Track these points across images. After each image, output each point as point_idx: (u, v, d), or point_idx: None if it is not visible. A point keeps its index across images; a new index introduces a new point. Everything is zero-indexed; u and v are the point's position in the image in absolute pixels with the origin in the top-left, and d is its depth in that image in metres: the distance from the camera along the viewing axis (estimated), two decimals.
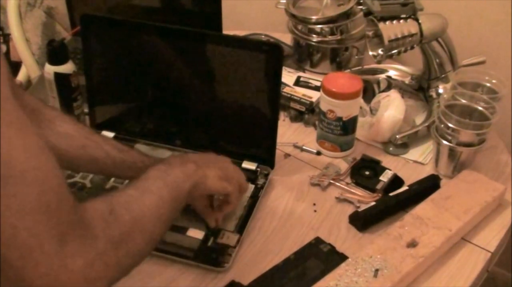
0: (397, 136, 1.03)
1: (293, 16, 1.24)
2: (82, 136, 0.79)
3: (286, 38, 1.31)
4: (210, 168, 0.77)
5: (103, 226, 0.53)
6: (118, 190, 0.63)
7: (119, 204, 0.58)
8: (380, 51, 1.05)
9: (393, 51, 1.03)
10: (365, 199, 0.93)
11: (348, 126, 1.00)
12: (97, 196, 0.57)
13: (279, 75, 0.91)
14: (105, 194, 0.59)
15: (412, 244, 0.80)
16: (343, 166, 1.01)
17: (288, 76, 1.18)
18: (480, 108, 0.95)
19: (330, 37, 1.24)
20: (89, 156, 0.79)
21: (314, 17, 1.22)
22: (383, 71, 1.22)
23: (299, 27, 1.27)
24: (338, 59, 1.27)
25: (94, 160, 0.80)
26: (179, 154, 0.79)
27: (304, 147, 1.05)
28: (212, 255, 0.81)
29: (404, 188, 0.93)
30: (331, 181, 0.97)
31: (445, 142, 0.95)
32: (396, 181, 0.96)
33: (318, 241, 0.85)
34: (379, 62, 1.08)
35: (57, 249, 0.48)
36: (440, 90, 1.10)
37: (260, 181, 0.94)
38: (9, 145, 0.45)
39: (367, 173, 0.98)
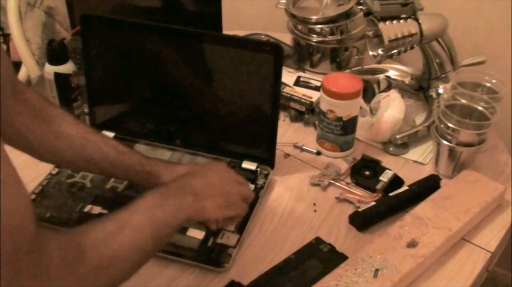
0: (397, 136, 1.03)
1: (293, 16, 1.24)
2: (81, 137, 0.79)
3: (286, 38, 1.31)
4: (210, 198, 0.74)
5: (62, 262, 0.52)
6: (98, 221, 0.60)
7: (90, 243, 0.56)
8: (380, 51, 1.05)
9: (393, 51, 1.03)
10: (365, 199, 0.93)
11: (348, 126, 1.00)
12: (71, 228, 0.56)
13: (279, 75, 0.91)
14: (82, 226, 0.58)
15: (412, 244, 0.80)
16: (343, 166, 1.01)
17: (288, 76, 1.19)
18: (480, 108, 0.95)
19: (330, 37, 1.24)
20: (87, 157, 0.79)
21: (314, 17, 1.22)
22: (383, 71, 1.22)
23: (299, 27, 1.27)
24: (338, 59, 1.27)
25: (92, 161, 0.80)
26: (184, 175, 0.76)
27: (304, 147, 1.05)
28: (212, 255, 0.81)
29: (404, 188, 0.93)
30: (331, 181, 0.97)
31: (445, 142, 0.95)
32: (396, 181, 0.96)
33: (318, 241, 0.85)
34: (379, 62, 1.08)
35: (11, 277, 0.47)
36: (440, 90, 1.10)
37: (260, 181, 0.94)
38: None
39: (367, 173, 0.98)
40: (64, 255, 0.53)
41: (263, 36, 1.33)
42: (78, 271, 0.54)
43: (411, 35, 1.02)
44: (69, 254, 0.54)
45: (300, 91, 1.15)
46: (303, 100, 1.12)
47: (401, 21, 1.02)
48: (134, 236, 0.62)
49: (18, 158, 1.00)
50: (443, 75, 1.10)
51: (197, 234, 0.84)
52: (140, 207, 0.65)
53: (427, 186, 0.93)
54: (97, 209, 0.87)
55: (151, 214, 0.65)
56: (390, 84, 1.16)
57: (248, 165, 0.96)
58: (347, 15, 1.21)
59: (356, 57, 1.28)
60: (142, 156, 0.82)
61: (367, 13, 1.04)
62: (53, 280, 0.51)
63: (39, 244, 0.50)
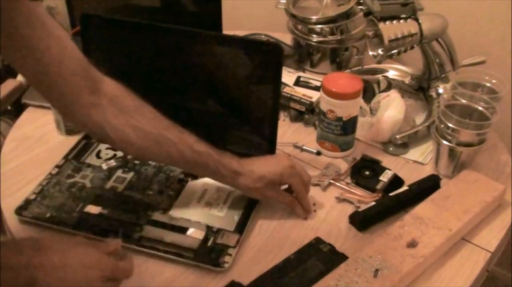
0: (397, 136, 1.03)
1: (293, 16, 1.24)
2: (157, 133, 0.80)
3: (286, 38, 1.31)
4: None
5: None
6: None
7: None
8: (380, 51, 1.05)
9: (393, 51, 1.03)
10: (365, 199, 0.93)
11: (348, 126, 1.00)
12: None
13: (279, 75, 0.91)
14: None
15: (412, 244, 0.80)
16: (343, 166, 1.01)
17: (288, 76, 1.19)
18: (480, 108, 0.95)
19: (330, 37, 1.24)
20: (164, 153, 0.81)
21: (314, 17, 1.22)
22: (383, 71, 1.22)
23: (299, 27, 1.27)
24: (338, 59, 1.27)
25: (168, 157, 0.82)
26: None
27: (304, 147, 1.05)
28: (212, 255, 0.81)
29: (404, 188, 0.93)
30: (331, 181, 0.97)
31: (445, 142, 0.95)
32: (396, 181, 0.96)
33: (318, 241, 0.85)
34: (379, 62, 1.08)
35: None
36: (440, 90, 1.10)
37: None
38: None
39: (367, 173, 0.98)
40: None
41: (263, 36, 1.33)
42: None
43: (411, 35, 1.02)
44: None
45: (300, 91, 1.15)
46: (303, 100, 1.12)
47: (401, 21, 1.02)
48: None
49: (18, 158, 1.00)
50: (443, 75, 1.10)
51: (197, 234, 0.84)
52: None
53: (427, 186, 0.93)
54: (97, 209, 0.87)
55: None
56: (390, 84, 1.16)
57: None
58: (347, 15, 1.21)
59: (356, 57, 1.28)
60: (218, 154, 0.83)
61: (367, 13, 1.04)
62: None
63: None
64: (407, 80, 1.20)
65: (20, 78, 1.25)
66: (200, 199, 0.91)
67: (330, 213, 0.91)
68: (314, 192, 0.95)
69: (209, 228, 0.85)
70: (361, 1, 1.09)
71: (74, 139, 1.02)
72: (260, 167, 0.85)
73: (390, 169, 0.98)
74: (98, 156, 0.98)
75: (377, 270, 0.76)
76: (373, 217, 0.88)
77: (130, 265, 0.70)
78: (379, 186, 0.95)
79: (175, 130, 0.82)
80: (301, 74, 1.21)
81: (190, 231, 0.84)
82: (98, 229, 0.83)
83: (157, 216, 0.87)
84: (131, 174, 0.94)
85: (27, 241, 0.64)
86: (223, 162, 0.83)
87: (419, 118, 1.11)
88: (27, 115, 1.11)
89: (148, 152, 0.81)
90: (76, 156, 0.98)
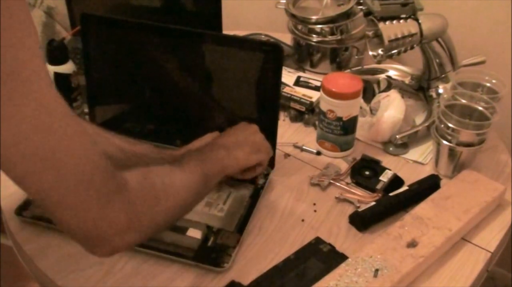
0: (397, 136, 1.03)
1: (293, 16, 1.24)
2: (93, 133, 0.79)
3: (286, 38, 1.31)
4: (240, 148, 0.84)
5: (140, 188, 0.61)
6: (155, 165, 0.70)
7: (152, 173, 0.66)
8: (380, 51, 1.05)
9: (393, 51, 1.03)
10: (365, 199, 0.93)
11: (348, 126, 1.00)
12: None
13: (279, 75, 0.91)
14: (142, 168, 0.66)
15: (412, 244, 0.80)
16: (343, 166, 1.01)
17: (288, 76, 1.19)
18: (480, 108, 0.95)
19: (330, 37, 1.24)
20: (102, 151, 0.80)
21: (314, 17, 1.22)
22: (383, 71, 1.22)
23: (299, 27, 1.27)
24: (338, 59, 1.27)
25: (106, 155, 0.80)
26: (211, 141, 0.86)
27: (304, 147, 1.05)
28: (212, 255, 0.81)
29: (404, 188, 0.93)
30: (331, 181, 0.97)
31: (445, 142, 0.95)
32: (396, 181, 0.96)
33: (318, 241, 0.85)
34: (379, 62, 1.08)
35: (102, 207, 0.56)
36: (440, 90, 1.10)
37: (260, 181, 0.94)
38: (55, 133, 0.52)
39: (367, 173, 0.98)
40: (138, 182, 0.62)
41: (263, 36, 1.33)
42: (148, 194, 0.63)
43: (411, 35, 1.02)
44: (141, 181, 0.63)
45: (300, 91, 1.15)
46: (303, 100, 1.12)
47: (401, 21, 1.02)
48: (184, 176, 0.70)
49: None
50: (443, 75, 1.10)
51: (197, 234, 0.84)
52: (182, 160, 0.73)
53: (427, 186, 0.93)
54: None
55: (194, 164, 0.73)
56: (390, 84, 1.16)
57: None
58: (347, 15, 1.21)
59: (356, 57, 1.28)
60: (154, 147, 0.84)
61: (367, 13, 1.04)
62: (140, 213, 0.60)
63: (119, 179, 0.59)
64: (407, 80, 1.20)
65: None
66: None
67: (330, 213, 0.91)
68: (314, 192, 0.95)
69: (209, 228, 0.85)
70: (361, 1, 1.09)
71: None
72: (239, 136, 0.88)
73: (390, 169, 0.98)
74: None
75: (377, 270, 0.76)
76: (373, 217, 0.88)
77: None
78: (379, 186, 0.95)
79: (105, 131, 0.81)
80: (301, 74, 1.21)
81: (190, 231, 0.84)
82: None
83: None
84: None
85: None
86: (160, 148, 0.83)
87: (419, 118, 1.11)
88: None
89: None
90: None
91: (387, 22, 1.02)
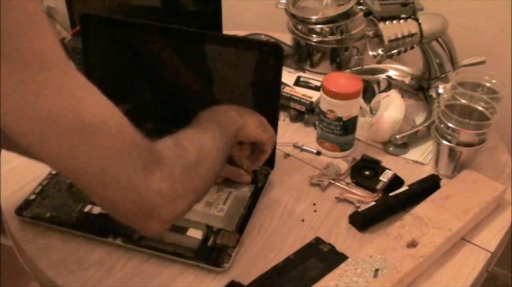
0: (397, 136, 1.03)
1: (293, 16, 1.24)
2: None
3: (286, 38, 1.31)
4: (248, 116, 0.84)
5: (174, 156, 0.63)
6: (180, 131, 0.71)
7: (182, 139, 0.68)
8: (380, 51, 1.05)
9: (393, 51, 1.03)
10: (365, 199, 0.93)
11: (348, 126, 1.00)
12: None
13: (279, 75, 0.91)
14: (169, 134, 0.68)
15: (412, 244, 0.80)
16: (343, 166, 1.01)
17: (288, 76, 1.19)
18: (480, 108, 0.95)
19: (330, 37, 1.24)
20: None
21: (314, 17, 1.22)
22: (383, 71, 1.22)
23: (299, 27, 1.27)
24: (338, 59, 1.27)
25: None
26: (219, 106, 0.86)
27: (304, 147, 1.05)
28: (212, 255, 0.81)
29: (404, 188, 0.93)
30: (331, 181, 0.97)
31: (445, 142, 0.95)
32: (396, 181, 0.96)
33: (318, 241, 0.85)
34: (379, 62, 1.08)
35: (144, 179, 0.57)
36: (440, 90, 1.10)
37: (260, 181, 0.94)
38: (89, 105, 0.54)
39: (367, 173, 0.98)
40: (172, 149, 0.64)
41: (263, 36, 1.33)
42: (184, 160, 0.64)
43: (411, 35, 1.02)
44: (174, 148, 0.65)
45: (300, 91, 1.15)
46: (303, 100, 1.12)
47: (401, 21, 1.02)
48: (210, 134, 0.72)
49: (19, 158, 1.00)
50: (443, 75, 1.10)
51: (197, 234, 0.84)
52: (202, 120, 0.76)
53: (427, 186, 0.93)
54: (97, 209, 0.87)
55: (215, 122, 0.76)
56: (390, 84, 1.16)
57: None
58: (347, 15, 1.21)
59: (356, 57, 1.28)
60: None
61: (367, 13, 1.04)
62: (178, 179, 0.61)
63: (154, 148, 0.62)
64: (407, 80, 1.20)
65: None
66: None
67: (330, 213, 0.91)
68: (314, 192, 0.95)
69: (209, 228, 0.85)
70: (361, 1, 1.09)
71: None
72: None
73: (390, 169, 0.98)
74: None
75: (377, 270, 0.76)
76: (373, 217, 0.88)
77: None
78: (379, 186, 0.95)
79: None
80: (301, 74, 1.21)
81: (190, 231, 0.84)
82: (98, 229, 0.83)
83: None
84: None
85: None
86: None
87: (419, 118, 1.11)
88: None
89: None
90: None
91: (387, 22, 1.02)
